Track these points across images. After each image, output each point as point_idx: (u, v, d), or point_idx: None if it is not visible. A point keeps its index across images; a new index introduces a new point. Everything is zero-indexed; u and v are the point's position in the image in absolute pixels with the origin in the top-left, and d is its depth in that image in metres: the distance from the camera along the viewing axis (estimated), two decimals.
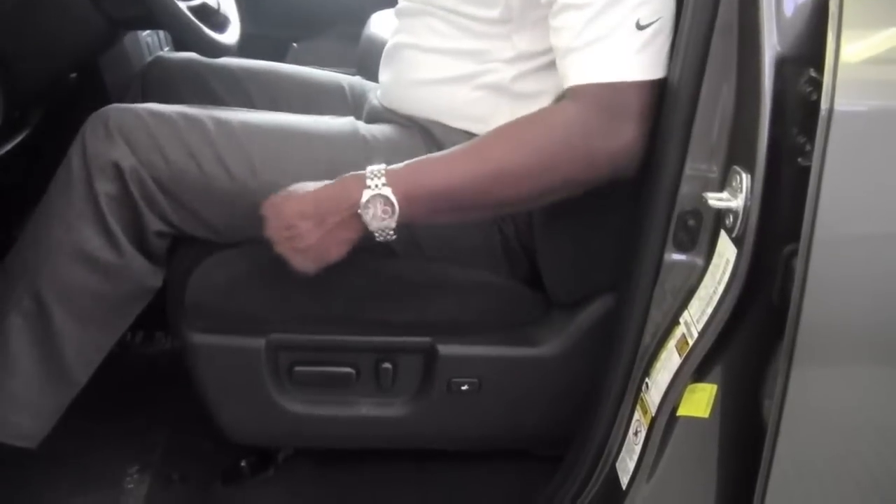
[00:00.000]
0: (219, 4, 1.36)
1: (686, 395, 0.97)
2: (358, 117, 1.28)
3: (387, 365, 1.20)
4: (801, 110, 0.85)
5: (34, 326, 1.11)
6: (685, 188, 0.98)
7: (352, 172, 1.03)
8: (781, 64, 0.86)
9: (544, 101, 1.11)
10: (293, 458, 1.39)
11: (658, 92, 1.01)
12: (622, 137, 1.01)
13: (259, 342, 1.17)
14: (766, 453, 0.91)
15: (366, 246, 1.06)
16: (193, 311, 1.16)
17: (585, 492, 1.11)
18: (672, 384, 0.97)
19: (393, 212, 1.01)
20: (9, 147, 1.29)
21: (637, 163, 1.03)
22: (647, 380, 1.03)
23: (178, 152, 1.10)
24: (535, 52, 1.12)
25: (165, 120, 1.12)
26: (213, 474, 1.37)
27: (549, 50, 1.08)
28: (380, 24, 1.90)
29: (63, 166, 1.10)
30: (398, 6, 1.26)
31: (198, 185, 1.11)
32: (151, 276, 1.15)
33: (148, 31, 1.64)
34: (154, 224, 1.12)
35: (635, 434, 1.04)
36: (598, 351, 1.12)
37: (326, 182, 1.04)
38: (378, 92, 1.31)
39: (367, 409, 1.22)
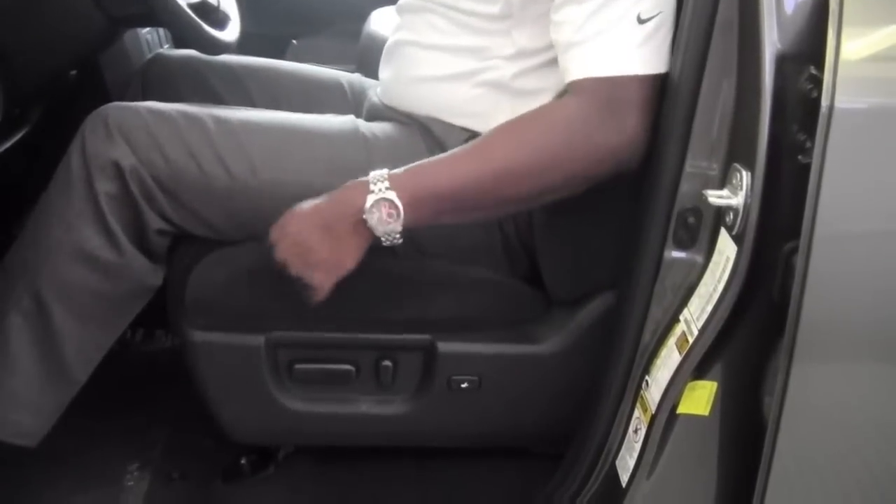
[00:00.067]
0: (219, 2, 1.35)
1: (686, 393, 0.97)
2: (358, 115, 1.28)
3: (387, 362, 1.20)
4: (801, 107, 0.85)
5: (34, 325, 1.11)
6: (685, 186, 0.98)
7: (354, 179, 1.03)
8: (782, 61, 0.86)
9: (545, 99, 1.10)
10: (293, 455, 1.39)
11: (659, 86, 1.01)
12: (624, 131, 1.01)
13: (259, 340, 1.17)
14: (766, 450, 0.91)
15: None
16: (193, 308, 1.16)
17: (585, 489, 1.11)
18: (672, 382, 0.97)
19: (398, 215, 1.00)
20: (8, 145, 1.29)
21: (639, 157, 1.02)
22: (647, 377, 1.03)
23: (178, 151, 1.10)
24: (535, 48, 1.11)
25: (165, 118, 1.12)
26: (214, 472, 1.37)
27: (550, 47, 1.08)
28: (380, 22, 1.91)
29: (63, 165, 1.10)
30: (399, 3, 1.26)
31: (198, 184, 1.10)
32: (151, 275, 1.15)
33: (148, 29, 1.64)
34: (154, 223, 1.11)
35: (635, 432, 1.04)
36: (598, 348, 1.12)
37: (328, 194, 1.04)
38: (378, 89, 1.30)
39: (367, 406, 1.22)
